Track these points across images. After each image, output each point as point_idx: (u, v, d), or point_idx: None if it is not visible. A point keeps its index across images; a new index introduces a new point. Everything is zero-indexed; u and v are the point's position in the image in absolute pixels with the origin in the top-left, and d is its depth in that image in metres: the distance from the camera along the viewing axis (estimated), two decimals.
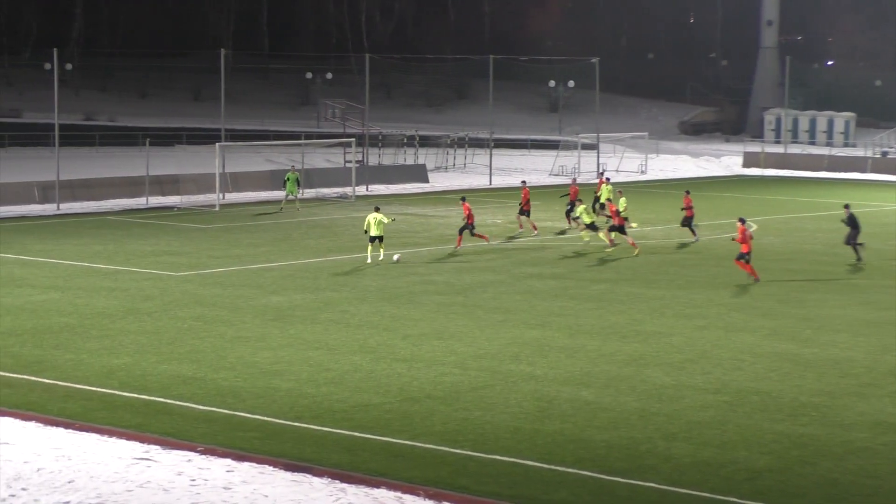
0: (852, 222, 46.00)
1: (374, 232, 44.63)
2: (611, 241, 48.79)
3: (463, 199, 50.95)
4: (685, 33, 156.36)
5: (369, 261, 44.74)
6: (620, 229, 48.38)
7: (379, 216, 44.72)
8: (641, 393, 26.99)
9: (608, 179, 59.74)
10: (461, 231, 48.80)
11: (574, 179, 63.75)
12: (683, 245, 50.91)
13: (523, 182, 58.73)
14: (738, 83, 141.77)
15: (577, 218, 50.99)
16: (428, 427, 24.29)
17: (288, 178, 63.45)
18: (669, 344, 31.93)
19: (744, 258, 41.25)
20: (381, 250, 44.93)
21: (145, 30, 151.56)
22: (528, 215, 54.26)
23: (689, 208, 52.32)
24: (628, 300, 38.06)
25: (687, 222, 52.46)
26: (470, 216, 48.36)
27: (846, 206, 47.00)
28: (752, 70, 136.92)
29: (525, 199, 54.18)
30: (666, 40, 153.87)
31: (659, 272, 43.76)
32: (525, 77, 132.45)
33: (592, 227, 49.09)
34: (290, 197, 63.27)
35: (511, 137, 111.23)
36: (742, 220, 41.86)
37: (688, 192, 54.19)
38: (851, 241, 46.12)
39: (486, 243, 49.66)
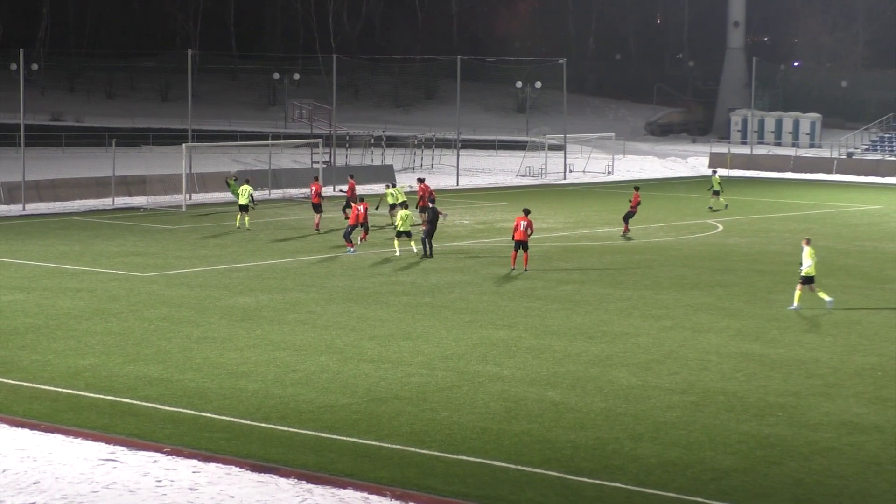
0: None
1: (402, 227, 45.87)
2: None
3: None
4: (652, 34, 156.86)
5: (398, 254, 46.18)
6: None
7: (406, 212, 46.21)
8: (608, 393, 27.04)
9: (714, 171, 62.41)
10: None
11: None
12: (627, 239, 51.05)
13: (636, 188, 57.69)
14: (705, 84, 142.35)
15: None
16: (395, 428, 24.28)
17: (230, 186, 63.02)
18: (636, 344, 32.00)
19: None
20: (413, 245, 45.41)
21: (112, 30, 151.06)
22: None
23: (635, 205, 54.02)
24: (595, 301, 38.13)
25: (628, 216, 54.02)
26: (361, 216, 47.84)
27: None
28: (718, 71, 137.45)
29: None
30: (633, 41, 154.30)
31: (626, 273, 43.85)
32: (493, 78, 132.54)
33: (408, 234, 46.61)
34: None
35: (478, 138, 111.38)
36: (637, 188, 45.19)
37: (637, 189, 55.97)
38: None
39: (350, 250, 47.51)
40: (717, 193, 65.74)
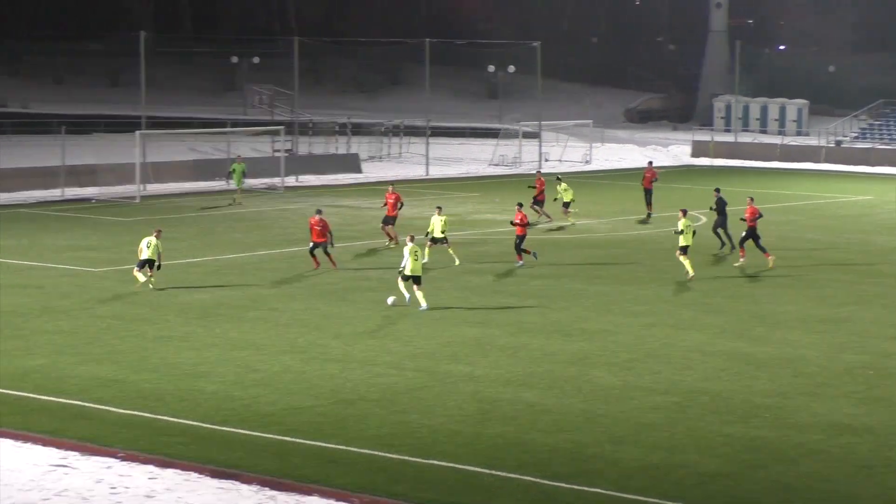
0: (720, 207, 47.16)
1: (437, 234, 43.58)
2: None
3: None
4: (630, 16, 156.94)
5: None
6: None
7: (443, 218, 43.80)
8: (587, 394, 27.14)
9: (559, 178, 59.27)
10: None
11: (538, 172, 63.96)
12: (559, 229, 51.21)
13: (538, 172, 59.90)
14: (686, 69, 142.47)
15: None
16: (362, 431, 24.32)
17: (233, 170, 63.19)
18: (615, 342, 32.11)
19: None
20: (451, 251, 43.71)
21: (58, 10, 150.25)
22: (542, 205, 55.15)
23: (540, 192, 54.66)
24: (571, 296, 38.23)
25: (538, 203, 54.71)
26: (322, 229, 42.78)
27: (717, 190, 48.45)
28: (700, 55, 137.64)
29: (539, 189, 55.01)
30: (610, 24, 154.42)
31: (603, 267, 43.98)
32: (463, 62, 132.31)
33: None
34: (238, 188, 63.07)
35: (449, 125, 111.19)
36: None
37: (539, 173, 58.06)
38: (718, 227, 47.14)
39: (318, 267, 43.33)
40: (567, 205, 54.40)
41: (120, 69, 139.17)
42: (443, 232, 43.57)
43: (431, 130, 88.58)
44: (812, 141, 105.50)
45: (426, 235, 43.79)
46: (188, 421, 24.85)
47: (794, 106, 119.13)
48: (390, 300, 36.19)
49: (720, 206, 47.12)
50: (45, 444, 23.30)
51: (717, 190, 48.63)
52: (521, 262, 43.22)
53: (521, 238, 43.20)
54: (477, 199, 65.49)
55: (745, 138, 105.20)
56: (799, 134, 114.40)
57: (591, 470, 22.26)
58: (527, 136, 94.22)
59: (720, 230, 47.01)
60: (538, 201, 54.94)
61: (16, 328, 33.01)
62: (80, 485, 21.15)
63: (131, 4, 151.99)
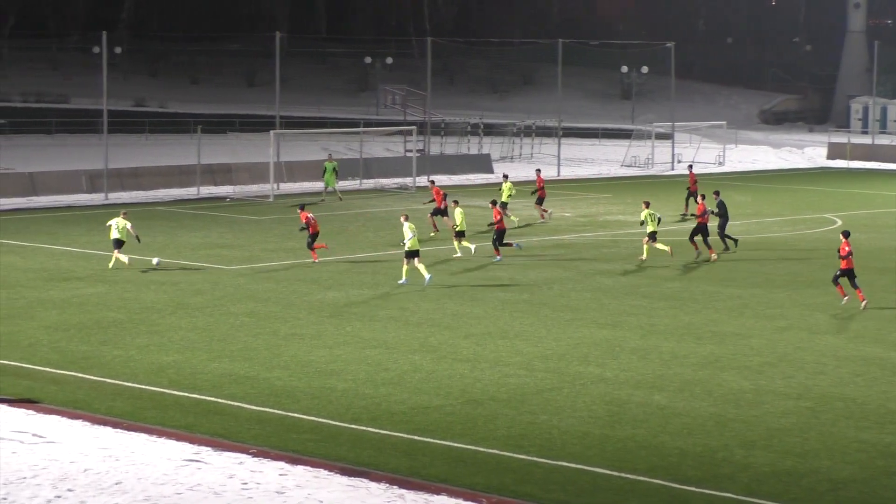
0: (722, 210, 47.05)
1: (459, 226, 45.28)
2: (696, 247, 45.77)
3: (302, 207, 45.06)
4: (766, 16, 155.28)
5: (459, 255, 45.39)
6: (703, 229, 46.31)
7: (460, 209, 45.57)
8: (718, 398, 26.88)
9: (506, 176, 58.10)
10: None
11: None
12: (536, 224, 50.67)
13: (538, 170, 60.35)
14: (823, 69, 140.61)
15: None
16: (491, 431, 24.32)
17: (325, 168, 63.96)
18: (748, 346, 31.77)
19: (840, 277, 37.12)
20: (467, 244, 45.29)
21: (197, 12, 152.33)
22: (542, 202, 56.53)
23: (541, 188, 56.14)
24: (704, 299, 37.91)
25: (540, 201, 56.11)
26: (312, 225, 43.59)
27: (716, 193, 48.37)
28: (837, 55, 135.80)
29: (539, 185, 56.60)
30: (745, 24, 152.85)
31: (736, 269, 43.54)
32: (596, 62, 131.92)
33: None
34: (329, 189, 63.79)
35: (580, 126, 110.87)
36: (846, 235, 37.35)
37: (539, 171, 58.64)
38: (720, 231, 47.04)
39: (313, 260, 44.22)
40: (504, 206, 51.81)
41: (256, 69, 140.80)
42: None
43: (563, 131, 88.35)
44: None
45: (452, 229, 45.40)
46: (319, 418, 25.04)
47: None
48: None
49: (721, 209, 47.11)
50: (178, 438, 23.62)
51: (717, 193, 48.64)
52: (499, 256, 44.52)
53: (501, 233, 44.63)
54: (608, 200, 65.19)
55: (883, 140, 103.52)
56: None
57: (722, 474, 22.05)
58: (659, 137, 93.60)
59: (721, 232, 47.15)
60: (540, 199, 56.40)
61: (151, 324, 33.53)
62: (212, 480, 21.40)
63: (269, 6, 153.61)
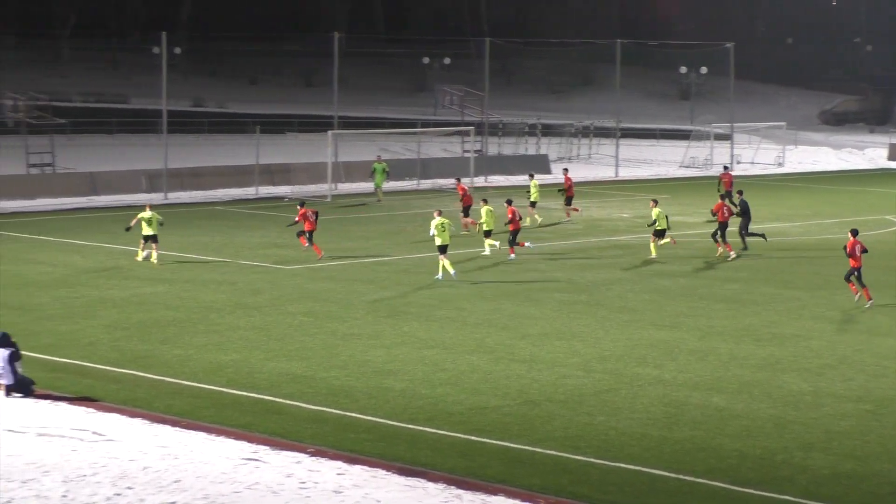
0: (744, 209, 47.24)
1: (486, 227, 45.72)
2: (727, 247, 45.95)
3: (302, 203, 45.72)
4: (827, 16, 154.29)
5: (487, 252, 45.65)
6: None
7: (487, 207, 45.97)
8: (777, 400, 26.73)
9: (531, 175, 58.52)
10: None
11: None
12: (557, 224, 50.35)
13: (565, 169, 60.84)
14: (884, 70, 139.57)
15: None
16: (548, 432, 24.28)
17: (375, 169, 64.20)
18: (807, 348, 31.57)
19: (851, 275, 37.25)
20: (492, 242, 45.57)
21: (256, 12, 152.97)
22: (570, 202, 56.58)
23: (569, 188, 56.14)
24: (763, 301, 37.70)
25: (569, 201, 56.25)
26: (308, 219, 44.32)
27: (740, 192, 49.28)
28: None
29: (567, 185, 56.65)
30: (805, 24, 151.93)
31: (796, 271, 43.28)
32: (654, 63, 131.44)
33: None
34: (378, 187, 64.11)
35: (639, 126, 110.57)
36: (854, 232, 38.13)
37: (566, 171, 59.11)
38: (742, 229, 47.18)
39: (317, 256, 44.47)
40: (533, 205, 54.87)
41: (314, 70, 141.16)
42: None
43: (621, 131, 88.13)
44: None
45: (479, 227, 46.19)
46: (376, 418, 25.08)
47: None
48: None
49: (744, 208, 47.33)
50: (236, 437, 23.72)
51: (741, 192, 49.34)
52: (513, 255, 44.67)
53: (514, 233, 44.63)
54: (667, 201, 64.91)
55: None
56: None
57: (781, 476, 21.92)
58: (718, 137, 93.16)
59: (743, 232, 47.29)
60: (568, 198, 56.40)
61: (210, 323, 33.71)
62: (270, 479, 21.48)
63: (327, 7, 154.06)
